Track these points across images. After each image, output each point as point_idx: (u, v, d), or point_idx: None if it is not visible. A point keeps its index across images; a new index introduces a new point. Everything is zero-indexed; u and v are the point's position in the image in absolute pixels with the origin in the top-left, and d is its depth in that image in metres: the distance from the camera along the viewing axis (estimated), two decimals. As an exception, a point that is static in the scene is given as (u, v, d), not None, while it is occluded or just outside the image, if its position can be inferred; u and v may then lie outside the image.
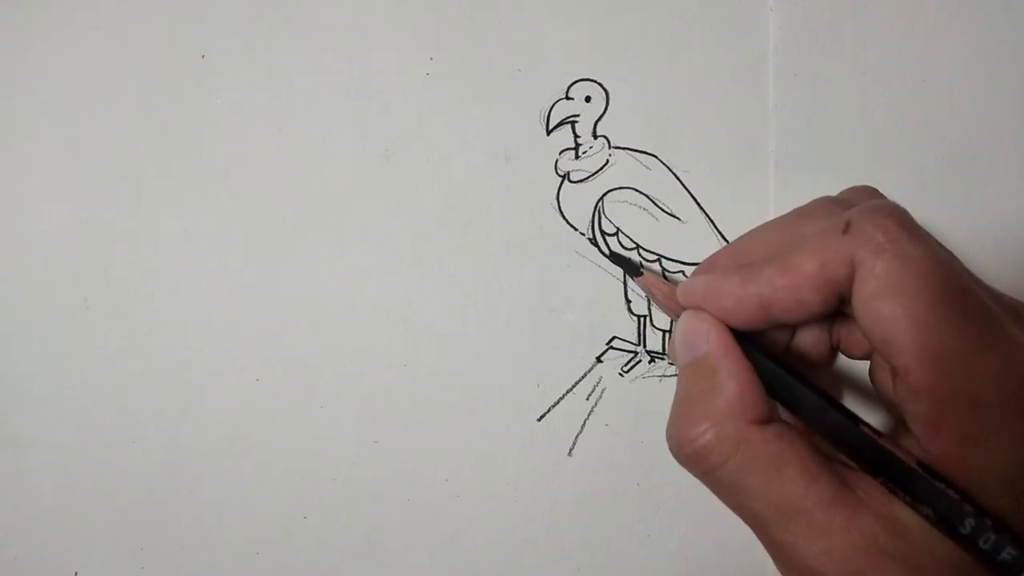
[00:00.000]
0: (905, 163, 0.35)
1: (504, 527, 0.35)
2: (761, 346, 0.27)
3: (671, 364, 0.35)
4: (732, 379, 0.25)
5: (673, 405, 0.26)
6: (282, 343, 0.34)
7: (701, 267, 0.30)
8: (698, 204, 0.35)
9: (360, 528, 0.35)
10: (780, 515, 0.24)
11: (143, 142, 0.34)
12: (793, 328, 0.28)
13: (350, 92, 0.34)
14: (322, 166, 0.34)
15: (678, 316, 0.28)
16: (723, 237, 0.35)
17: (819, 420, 0.25)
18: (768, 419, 0.25)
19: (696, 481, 0.35)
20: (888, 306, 0.23)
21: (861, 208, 0.25)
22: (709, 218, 0.35)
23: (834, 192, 0.30)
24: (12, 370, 0.33)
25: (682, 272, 0.35)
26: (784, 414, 0.27)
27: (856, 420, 0.25)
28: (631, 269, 0.33)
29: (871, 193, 0.31)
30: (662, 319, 0.35)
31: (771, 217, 0.35)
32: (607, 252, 0.34)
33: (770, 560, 0.24)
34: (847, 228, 0.24)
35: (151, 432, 0.34)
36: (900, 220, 0.24)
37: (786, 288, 0.25)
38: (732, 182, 0.35)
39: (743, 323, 0.26)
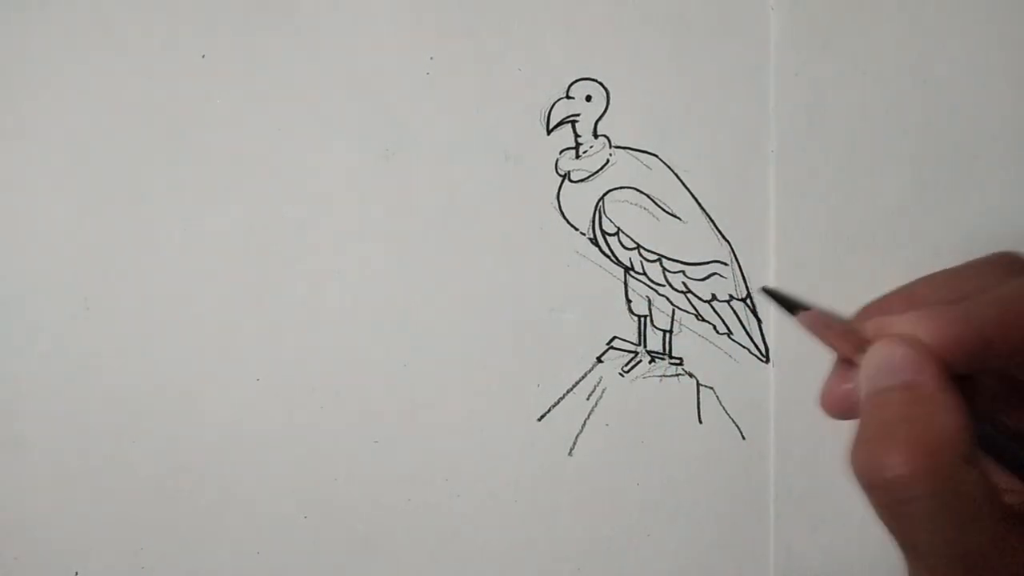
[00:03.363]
0: (905, 163, 0.35)
1: (504, 527, 0.35)
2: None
3: (672, 364, 0.35)
4: (952, 413, 0.24)
5: (865, 428, 0.25)
6: (282, 343, 0.34)
7: (876, 307, 0.29)
8: (699, 204, 0.35)
9: (360, 528, 0.35)
10: (962, 558, 0.23)
11: (143, 142, 0.34)
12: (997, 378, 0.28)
13: (350, 92, 0.34)
14: (322, 166, 0.34)
15: (852, 354, 0.27)
16: (723, 237, 0.35)
17: None
18: (975, 461, 0.24)
19: (696, 481, 0.35)
20: None
21: None
22: (709, 218, 0.35)
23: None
24: (12, 370, 0.33)
25: (682, 272, 0.35)
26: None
27: None
28: (789, 306, 0.28)
29: None
30: (662, 319, 0.35)
31: (771, 216, 0.35)
32: (761, 288, 0.28)
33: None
34: None
35: (151, 432, 0.34)
36: None
37: (1019, 330, 0.25)
38: (732, 182, 0.35)
39: (951, 360, 0.25)
